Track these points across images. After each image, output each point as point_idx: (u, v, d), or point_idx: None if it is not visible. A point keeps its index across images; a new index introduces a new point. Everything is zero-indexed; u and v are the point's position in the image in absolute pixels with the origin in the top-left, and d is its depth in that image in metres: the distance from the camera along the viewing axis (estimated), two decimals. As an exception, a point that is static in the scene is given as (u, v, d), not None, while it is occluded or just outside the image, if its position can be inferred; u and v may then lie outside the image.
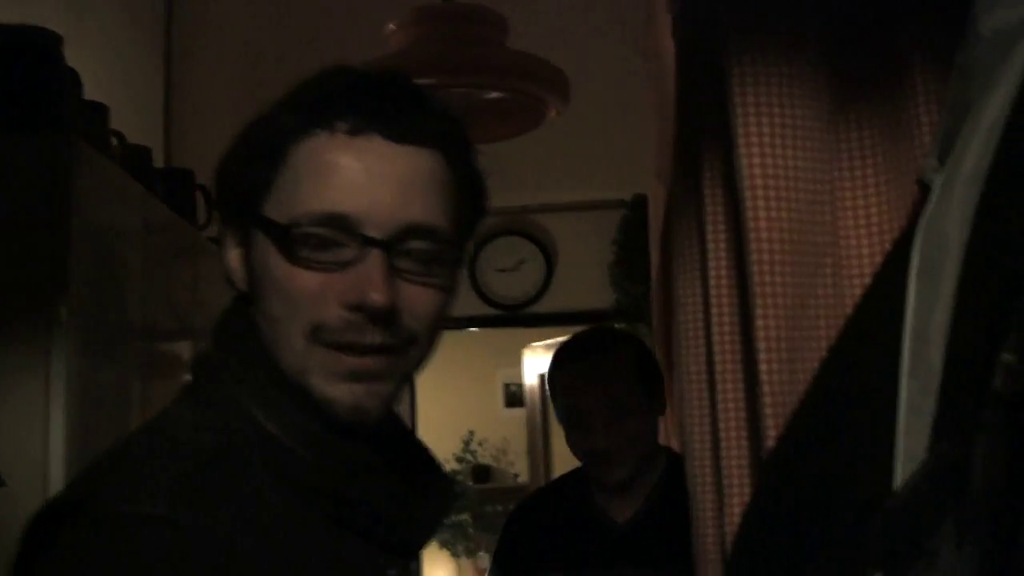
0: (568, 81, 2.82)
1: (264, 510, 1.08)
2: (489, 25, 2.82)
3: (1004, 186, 1.05)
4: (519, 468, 9.57)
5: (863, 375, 1.26)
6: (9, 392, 2.37)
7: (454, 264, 1.19)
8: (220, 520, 1.03)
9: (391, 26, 2.80)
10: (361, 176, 1.11)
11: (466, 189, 1.20)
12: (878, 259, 1.51)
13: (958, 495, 0.93)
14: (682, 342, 1.77)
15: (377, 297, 1.09)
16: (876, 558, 1.05)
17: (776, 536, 1.35)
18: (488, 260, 5.93)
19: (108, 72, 3.69)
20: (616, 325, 5.00)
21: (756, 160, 1.52)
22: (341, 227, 1.10)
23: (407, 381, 1.19)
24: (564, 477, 2.75)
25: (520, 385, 7.28)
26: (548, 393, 2.61)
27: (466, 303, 5.90)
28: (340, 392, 1.11)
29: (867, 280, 1.50)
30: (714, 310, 1.64)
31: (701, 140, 1.70)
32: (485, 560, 9.70)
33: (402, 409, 5.99)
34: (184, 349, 3.28)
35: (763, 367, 1.50)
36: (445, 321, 1.19)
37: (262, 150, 1.14)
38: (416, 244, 1.13)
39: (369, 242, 1.10)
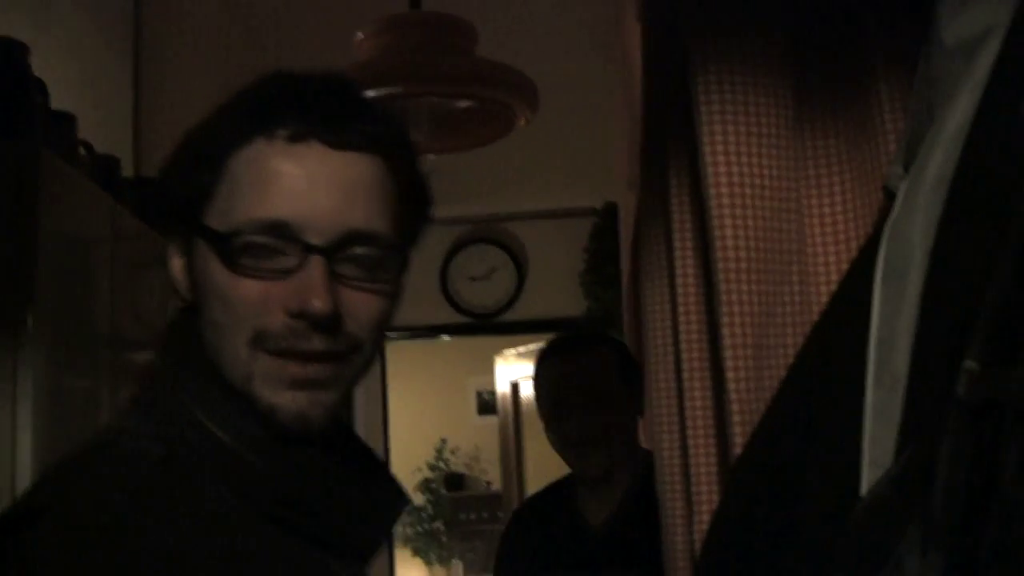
0: (537, 89, 2.82)
1: (215, 517, 1.08)
2: (458, 33, 2.82)
3: (968, 193, 1.06)
4: (492, 476, 9.58)
5: (829, 382, 1.26)
6: (-24, 402, 2.36)
7: (398, 270, 1.18)
8: (171, 528, 1.03)
9: (360, 34, 2.80)
10: (301, 183, 1.10)
11: (408, 195, 1.20)
12: (844, 266, 1.52)
13: (923, 502, 0.93)
14: (650, 349, 1.78)
15: (319, 304, 1.08)
16: (842, 565, 1.05)
17: (743, 543, 1.35)
18: (459, 268, 5.93)
19: (76, 82, 3.68)
20: (588, 333, 5.00)
21: (722, 168, 1.52)
22: (282, 234, 1.09)
23: (351, 388, 1.18)
24: (556, 482, 2.78)
25: (492, 393, 7.27)
26: (533, 393, 2.65)
27: (438, 311, 5.90)
28: (284, 400, 1.11)
29: (834, 287, 1.50)
30: (682, 318, 1.65)
31: (668, 147, 1.70)
32: (459, 568, 9.70)
33: (374, 417, 5.99)
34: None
35: (730, 374, 1.50)
36: (389, 327, 1.19)
37: (202, 158, 1.14)
38: (358, 250, 1.12)
39: (310, 249, 1.09)
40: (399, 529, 9.05)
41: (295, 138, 1.11)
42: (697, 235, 1.64)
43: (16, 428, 2.34)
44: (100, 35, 4.46)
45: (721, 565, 1.42)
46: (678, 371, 1.68)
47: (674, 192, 1.67)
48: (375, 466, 1.30)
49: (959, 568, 0.88)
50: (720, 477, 1.61)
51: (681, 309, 1.65)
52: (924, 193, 1.13)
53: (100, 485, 1.05)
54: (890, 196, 1.27)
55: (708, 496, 1.61)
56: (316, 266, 1.09)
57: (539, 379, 2.61)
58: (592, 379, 2.50)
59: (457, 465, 10.11)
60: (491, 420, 8.51)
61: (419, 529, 9.74)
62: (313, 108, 1.13)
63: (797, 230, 1.57)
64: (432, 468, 9.92)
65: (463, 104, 2.90)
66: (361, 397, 6.01)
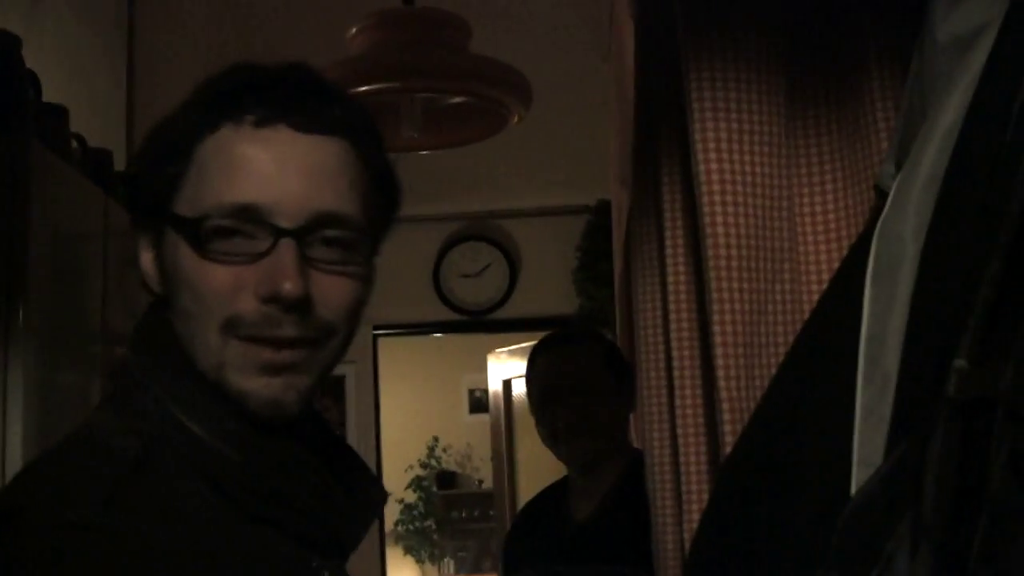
0: (530, 85, 2.82)
1: (192, 513, 1.07)
2: (451, 29, 2.81)
3: (959, 191, 1.06)
4: (483, 474, 9.58)
5: (820, 380, 1.26)
6: (-34, 396, 2.35)
7: (368, 253, 1.17)
8: (148, 524, 1.03)
9: (353, 29, 2.79)
10: (269, 166, 1.10)
11: (376, 178, 1.19)
12: (836, 264, 1.52)
13: (913, 500, 0.93)
14: (641, 347, 1.78)
15: (290, 287, 1.07)
16: (832, 563, 1.05)
17: (733, 540, 1.35)
18: (452, 265, 5.93)
19: (68, 74, 3.66)
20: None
21: (714, 165, 1.52)
22: (251, 218, 1.09)
23: (326, 374, 1.17)
24: (552, 484, 2.81)
25: (485, 391, 7.27)
26: (525, 391, 2.67)
27: (430, 308, 5.90)
28: (256, 385, 1.10)
29: (825, 285, 1.50)
30: (673, 315, 1.65)
31: (660, 145, 1.70)
32: (450, 566, 9.70)
33: (366, 414, 5.98)
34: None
35: (720, 372, 1.50)
36: (361, 312, 1.18)
37: (170, 148, 1.13)
38: (328, 233, 1.11)
39: (280, 232, 1.09)
40: (390, 527, 9.05)
41: (262, 122, 1.11)
42: (688, 233, 1.63)
43: (6, 423, 2.33)
44: (93, 28, 4.44)
45: (711, 563, 1.41)
46: (669, 369, 1.68)
47: (666, 189, 1.67)
48: (353, 461, 1.29)
49: (949, 565, 0.88)
50: (710, 475, 1.61)
51: (672, 307, 1.65)
52: (916, 191, 1.13)
53: (79, 481, 1.04)
54: (881, 195, 1.27)
55: (698, 494, 1.61)
56: (287, 249, 1.08)
57: (530, 374, 2.64)
58: (579, 369, 2.53)
59: (449, 463, 10.11)
60: (483, 418, 8.51)
61: (410, 527, 9.74)
62: (279, 93, 1.13)
63: (788, 228, 1.56)
64: (424, 466, 9.92)
65: (456, 100, 2.89)
66: (353, 394, 6.00)
